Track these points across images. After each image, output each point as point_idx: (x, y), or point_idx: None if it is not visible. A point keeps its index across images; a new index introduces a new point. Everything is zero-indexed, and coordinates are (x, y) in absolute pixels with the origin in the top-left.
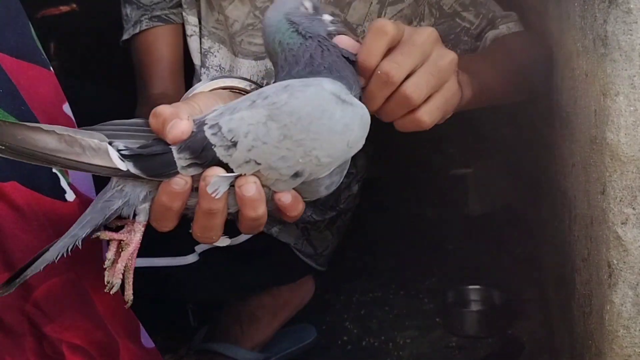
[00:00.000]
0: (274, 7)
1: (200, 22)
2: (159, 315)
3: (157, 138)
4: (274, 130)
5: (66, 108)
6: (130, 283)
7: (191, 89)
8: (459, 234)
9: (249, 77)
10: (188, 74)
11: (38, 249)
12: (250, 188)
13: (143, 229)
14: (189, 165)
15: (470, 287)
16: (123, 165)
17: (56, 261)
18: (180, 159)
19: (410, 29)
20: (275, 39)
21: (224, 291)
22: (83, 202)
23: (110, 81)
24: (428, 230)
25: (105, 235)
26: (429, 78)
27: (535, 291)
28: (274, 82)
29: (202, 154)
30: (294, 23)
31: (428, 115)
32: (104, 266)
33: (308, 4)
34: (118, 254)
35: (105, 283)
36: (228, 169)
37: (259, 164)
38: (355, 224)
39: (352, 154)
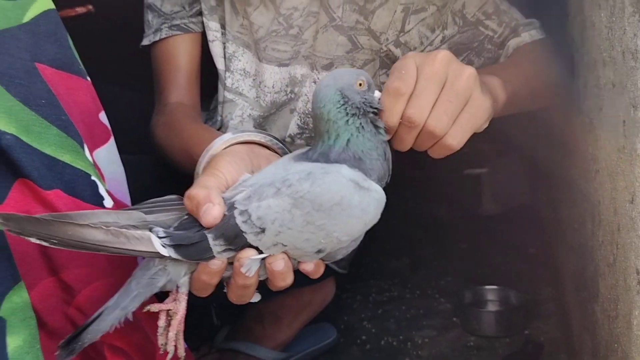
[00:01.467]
0: (331, 76)
1: (223, 27)
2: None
3: (190, 215)
4: (298, 217)
5: (102, 116)
6: (182, 344)
7: (210, 145)
8: (474, 233)
9: (271, 84)
10: (212, 78)
11: (80, 255)
12: (280, 264)
13: (186, 297)
14: (223, 250)
15: (487, 287)
16: (165, 252)
17: (110, 331)
18: (216, 246)
19: (422, 58)
20: (325, 107)
21: None
22: (119, 207)
23: (127, 83)
24: (443, 230)
25: (155, 307)
26: (448, 106)
27: (550, 291)
28: (312, 142)
29: (235, 240)
30: (345, 98)
31: (454, 139)
32: (157, 333)
33: (363, 80)
34: (167, 321)
35: (159, 346)
36: (258, 250)
37: (285, 245)
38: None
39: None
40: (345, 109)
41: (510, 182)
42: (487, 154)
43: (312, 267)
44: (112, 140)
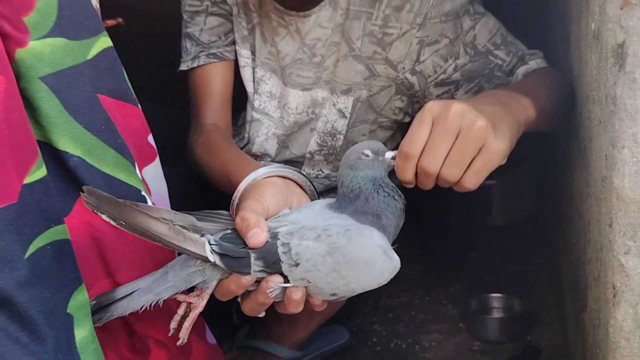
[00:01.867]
0: (343, 159)
1: (253, 54)
2: (205, 313)
3: (235, 228)
4: (328, 263)
5: (150, 138)
6: (189, 332)
7: (255, 173)
8: (483, 243)
9: (294, 106)
10: (242, 99)
11: (131, 260)
12: (298, 294)
13: (208, 297)
14: (260, 270)
15: (493, 294)
16: (212, 258)
17: (140, 311)
18: (255, 265)
19: (439, 111)
20: (344, 179)
21: None
22: None
23: (156, 97)
24: (453, 238)
25: (181, 297)
26: (459, 157)
27: (553, 300)
28: (339, 190)
29: (272, 265)
30: (356, 171)
31: (469, 183)
32: (174, 318)
33: (367, 152)
34: (186, 311)
35: (171, 329)
36: (286, 278)
37: (310, 282)
38: None
39: None
40: (358, 181)
41: (520, 194)
42: (498, 166)
43: (319, 303)
44: (157, 159)
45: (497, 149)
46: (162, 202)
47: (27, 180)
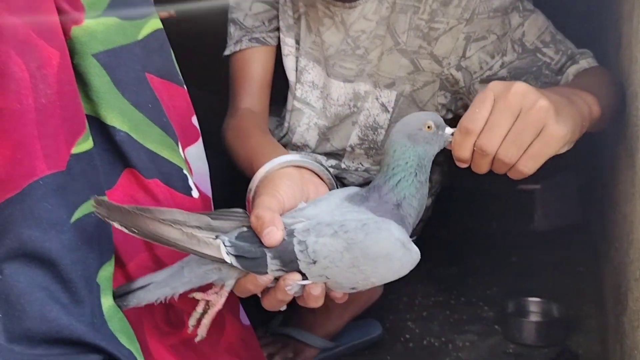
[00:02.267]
0: (402, 123)
1: (297, 43)
2: (242, 299)
3: (249, 227)
4: (346, 259)
5: (194, 120)
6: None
7: (269, 164)
8: (524, 248)
9: (336, 97)
10: (283, 88)
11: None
12: (317, 290)
13: (227, 295)
14: (277, 269)
15: (530, 299)
16: (228, 259)
17: (156, 303)
18: (272, 264)
19: (500, 90)
20: (392, 147)
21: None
22: (203, 198)
23: (204, 88)
24: (493, 241)
25: (199, 296)
26: (517, 138)
27: (593, 308)
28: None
29: (289, 264)
30: (413, 142)
31: (525, 167)
32: (193, 316)
33: (431, 123)
34: (205, 309)
35: (189, 326)
36: (304, 276)
37: (328, 278)
38: (423, 230)
39: None
40: (410, 154)
41: (564, 200)
42: (542, 170)
43: (340, 296)
44: (200, 140)
45: (556, 132)
46: (203, 182)
47: (75, 150)
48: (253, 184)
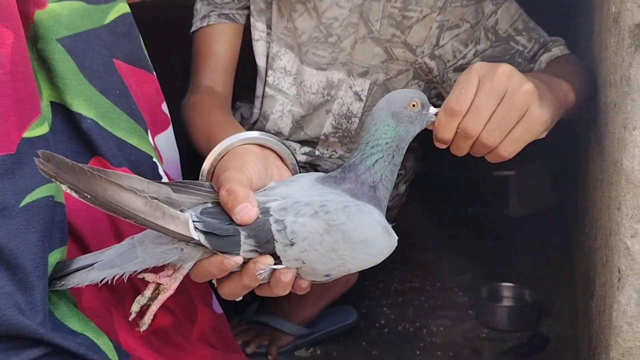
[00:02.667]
0: (386, 100)
1: (269, 28)
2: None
3: (216, 202)
4: (326, 242)
5: (164, 107)
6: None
7: (229, 138)
8: (499, 234)
9: (309, 85)
10: (252, 73)
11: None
12: (288, 276)
13: (181, 279)
14: (250, 250)
15: (504, 284)
16: (196, 236)
17: (100, 284)
18: (246, 244)
19: (485, 71)
20: (374, 125)
21: None
22: None
23: (173, 72)
24: (469, 228)
25: (150, 277)
26: (501, 121)
27: (566, 292)
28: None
29: (264, 245)
30: (397, 120)
31: (505, 151)
32: (137, 300)
33: (417, 101)
34: (154, 293)
35: (130, 312)
36: (277, 258)
37: (304, 263)
38: (397, 217)
39: None
40: (391, 134)
41: (538, 187)
42: (517, 157)
43: (306, 285)
44: (170, 127)
45: (539, 117)
46: (174, 170)
47: (27, 134)
48: (212, 155)
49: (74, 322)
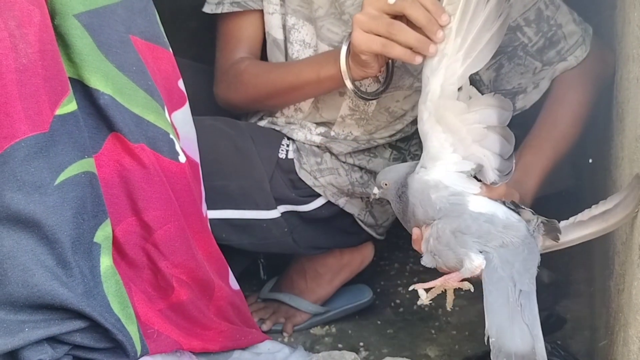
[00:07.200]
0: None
1: (282, 1)
2: (235, 266)
3: None
4: None
5: (180, 83)
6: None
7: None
8: None
9: None
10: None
11: (157, 200)
12: None
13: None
14: None
15: None
16: None
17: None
18: None
19: None
20: None
21: (296, 247)
22: (190, 163)
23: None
24: None
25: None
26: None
27: (583, 273)
28: None
29: None
30: None
31: None
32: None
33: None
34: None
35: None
36: None
37: None
38: None
39: None
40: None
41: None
42: None
43: None
44: (187, 104)
45: None
46: (191, 147)
47: (59, 111)
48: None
49: (116, 301)
